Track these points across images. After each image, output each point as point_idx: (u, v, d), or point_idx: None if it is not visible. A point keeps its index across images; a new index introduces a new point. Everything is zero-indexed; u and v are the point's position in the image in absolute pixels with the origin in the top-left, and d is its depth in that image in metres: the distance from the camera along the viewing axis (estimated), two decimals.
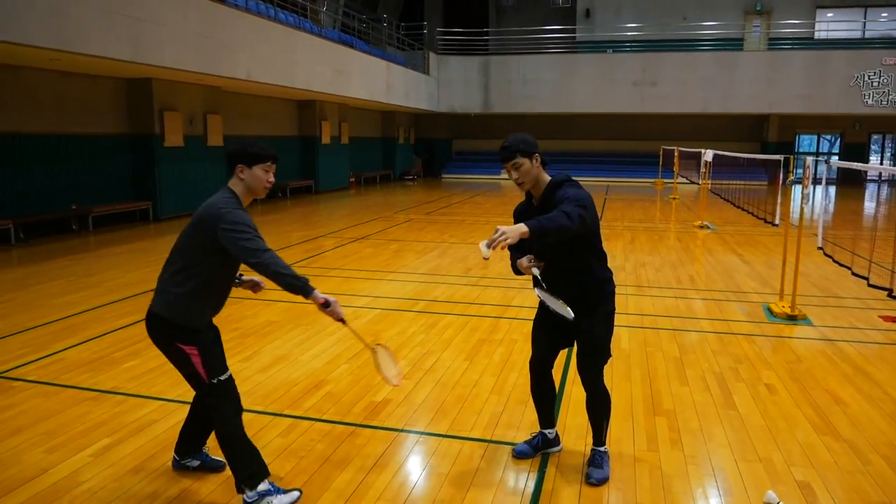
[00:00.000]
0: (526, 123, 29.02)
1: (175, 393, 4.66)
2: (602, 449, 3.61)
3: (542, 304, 3.62)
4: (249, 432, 4.03)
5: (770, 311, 6.94)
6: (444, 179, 28.87)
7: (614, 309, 3.53)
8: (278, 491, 3.20)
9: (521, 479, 3.53)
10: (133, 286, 7.94)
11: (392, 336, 6.05)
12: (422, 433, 4.09)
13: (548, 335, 3.61)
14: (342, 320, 3.11)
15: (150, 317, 3.18)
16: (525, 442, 3.84)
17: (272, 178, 3.24)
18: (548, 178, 3.38)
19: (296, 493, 3.26)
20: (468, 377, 5.03)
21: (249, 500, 3.12)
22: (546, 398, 3.75)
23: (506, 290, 7.83)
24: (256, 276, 3.51)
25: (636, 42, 27.79)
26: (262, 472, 3.18)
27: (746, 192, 17.29)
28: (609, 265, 3.53)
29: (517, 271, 3.53)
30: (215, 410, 3.20)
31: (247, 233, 2.98)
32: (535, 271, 3.38)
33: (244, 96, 17.72)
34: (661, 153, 24.45)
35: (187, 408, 4.49)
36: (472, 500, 3.33)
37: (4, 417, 4.27)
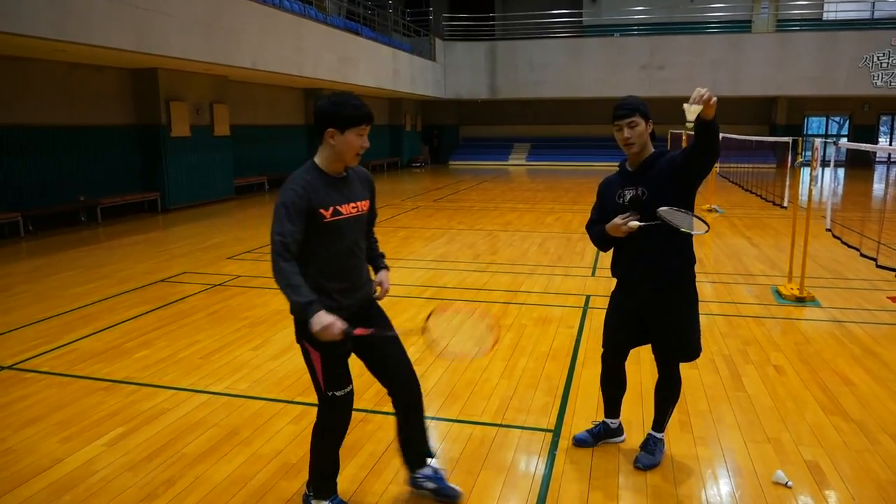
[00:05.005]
0: (533, 108, 28.99)
1: (186, 382, 4.71)
2: (660, 436, 3.55)
3: (619, 292, 3.47)
4: (261, 420, 4.09)
5: (779, 293, 6.93)
6: (452, 166, 28.82)
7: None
8: None
9: (532, 463, 3.56)
10: (143, 276, 7.99)
11: (401, 323, 6.07)
12: (432, 418, 4.11)
13: (626, 331, 3.44)
14: (347, 334, 2.73)
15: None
16: (586, 430, 3.75)
17: (366, 143, 2.80)
18: (652, 149, 3.33)
19: None
20: (478, 362, 5.05)
21: (309, 497, 3.15)
22: (616, 389, 3.65)
23: (515, 276, 7.84)
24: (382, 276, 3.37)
25: (643, 25, 27.57)
26: (331, 489, 3.12)
27: (755, 174, 17.20)
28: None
29: (607, 244, 3.34)
30: (322, 417, 3.05)
31: (278, 213, 2.69)
32: (635, 224, 3.14)
33: (250, 85, 17.72)
34: (668, 137, 24.33)
35: (199, 396, 4.55)
36: (483, 483, 3.36)
37: (19, 408, 4.32)
